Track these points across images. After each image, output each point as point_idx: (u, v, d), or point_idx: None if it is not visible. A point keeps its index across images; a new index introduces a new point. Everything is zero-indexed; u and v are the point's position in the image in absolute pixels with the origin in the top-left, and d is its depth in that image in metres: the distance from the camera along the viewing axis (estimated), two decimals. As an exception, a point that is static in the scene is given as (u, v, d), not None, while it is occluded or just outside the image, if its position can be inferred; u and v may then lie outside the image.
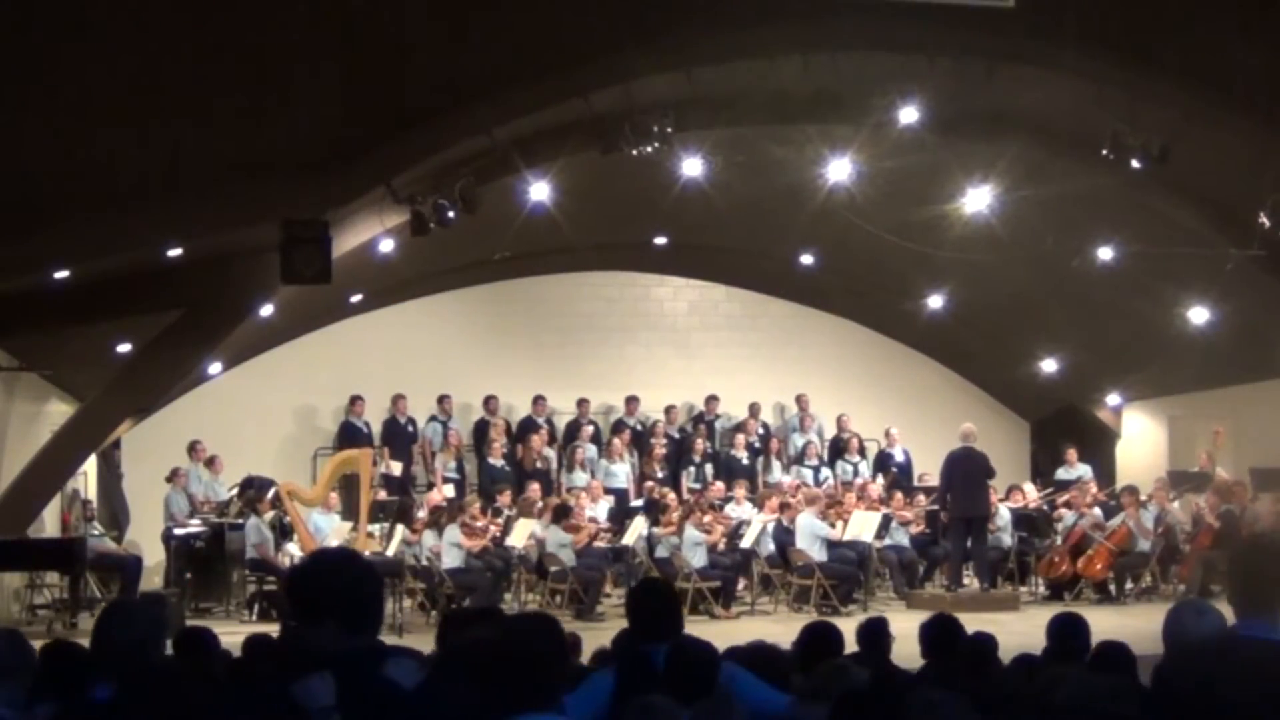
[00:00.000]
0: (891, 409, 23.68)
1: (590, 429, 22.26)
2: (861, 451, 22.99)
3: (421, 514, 18.86)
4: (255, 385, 21.60)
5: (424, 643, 8.82)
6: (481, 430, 22.14)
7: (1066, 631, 7.54)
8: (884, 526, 19.21)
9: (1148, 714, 4.66)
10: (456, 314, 23.03)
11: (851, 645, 7.71)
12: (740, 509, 19.96)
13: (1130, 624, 14.85)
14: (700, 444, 22.31)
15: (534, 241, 20.00)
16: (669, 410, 22.94)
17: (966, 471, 18.92)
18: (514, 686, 4.41)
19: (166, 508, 19.46)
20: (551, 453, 21.82)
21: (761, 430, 23.02)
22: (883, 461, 22.97)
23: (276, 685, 4.38)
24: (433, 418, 22.00)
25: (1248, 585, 4.88)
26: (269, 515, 18.55)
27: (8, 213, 13.74)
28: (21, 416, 18.18)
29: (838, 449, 23.09)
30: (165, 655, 5.68)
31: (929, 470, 22.09)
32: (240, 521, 18.74)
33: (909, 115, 16.22)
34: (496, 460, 21.22)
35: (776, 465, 22.58)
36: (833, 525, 19.07)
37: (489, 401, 22.28)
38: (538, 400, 22.44)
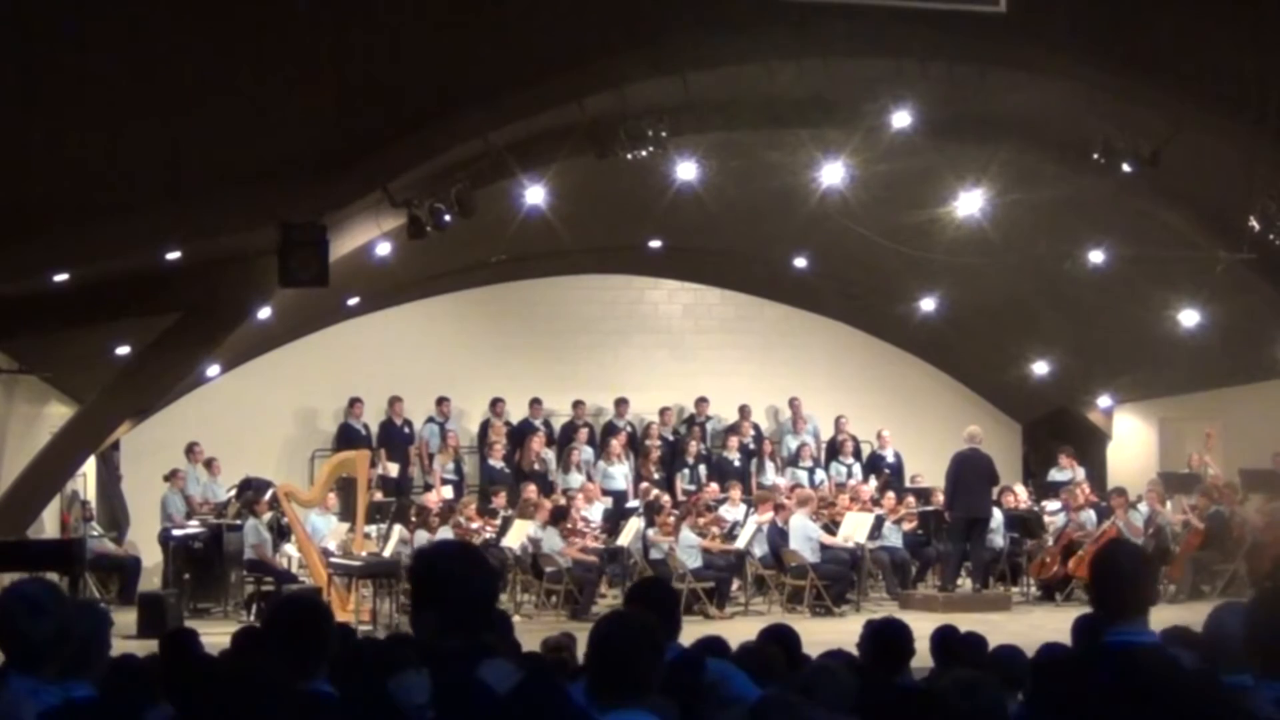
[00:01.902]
0: (884, 411, 23.77)
1: (586, 431, 22.33)
2: (857, 453, 23.07)
3: (414, 515, 18.94)
4: (253, 387, 21.65)
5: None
6: (485, 432, 22.23)
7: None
8: (876, 528, 19.31)
9: None
10: (453, 317, 23.10)
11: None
12: (734, 510, 20.06)
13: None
14: (694, 446, 22.40)
15: (529, 245, 20.08)
16: (663, 412, 23.03)
17: (972, 472, 19.03)
18: (610, 684, 4.45)
19: (164, 509, 19.56)
20: (550, 454, 21.90)
21: (754, 432, 23.11)
22: (874, 463, 23.04)
23: (374, 681, 4.41)
24: (430, 419, 22.09)
25: (1112, 588, 4.75)
26: (267, 516, 18.64)
27: (7, 217, 13.83)
28: (21, 418, 18.27)
29: (834, 450, 23.18)
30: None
31: (920, 472, 22.20)
32: (238, 523, 18.83)
33: (901, 120, 16.33)
34: (497, 462, 21.32)
35: (770, 467, 22.65)
36: (826, 527, 19.18)
37: (496, 404, 22.37)
38: (534, 402, 22.53)
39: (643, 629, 4.61)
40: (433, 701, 4.32)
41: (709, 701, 5.62)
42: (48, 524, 18.93)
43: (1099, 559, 4.90)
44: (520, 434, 22.10)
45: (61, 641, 4.83)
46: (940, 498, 19.89)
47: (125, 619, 16.05)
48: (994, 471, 19.25)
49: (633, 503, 20.95)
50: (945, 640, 7.89)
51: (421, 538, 17.88)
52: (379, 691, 4.38)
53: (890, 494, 20.89)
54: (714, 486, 21.01)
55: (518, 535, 18.38)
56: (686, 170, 16.95)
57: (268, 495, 18.93)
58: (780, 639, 7.48)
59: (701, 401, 23.35)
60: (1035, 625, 15.57)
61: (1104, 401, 23.85)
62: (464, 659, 4.42)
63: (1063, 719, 4.58)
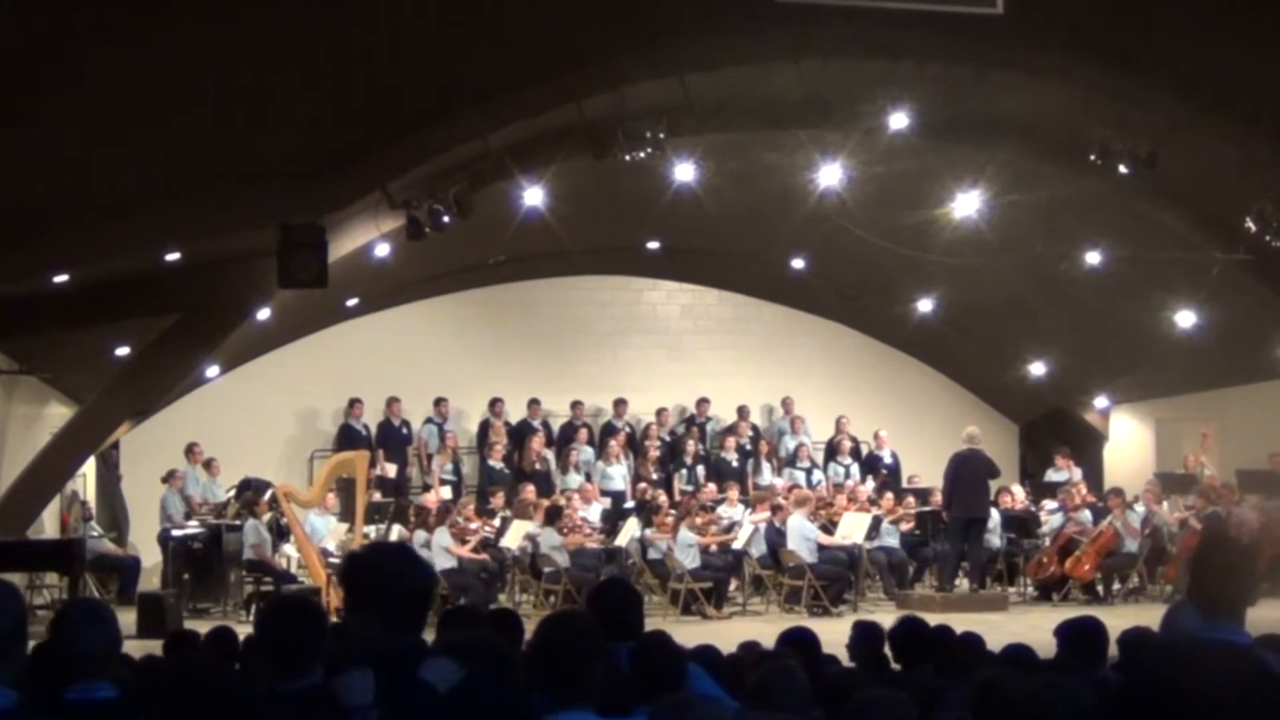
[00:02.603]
0: (882, 412, 23.80)
1: (584, 431, 22.38)
2: (855, 454, 23.10)
3: (413, 515, 18.99)
4: (252, 388, 21.69)
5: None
6: (484, 432, 22.27)
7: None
8: (874, 528, 19.35)
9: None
10: (452, 318, 23.14)
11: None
12: (732, 510, 20.11)
13: (1117, 624, 14.93)
14: (692, 446, 22.45)
15: (528, 246, 20.12)
16: (660, 413, 23.07)
17: (971, 473, 19.07)
18: (551, 684, 4.47)
19: (163, 509, 19.60)
20: (551, 455, 21.94)
21: (752, 433, 23.15)
22: (871, 463, 23.08)
23: (317, 681, 4.43)
24: (429, 420, 22.13)
25: (1215, 587, 4.73)
26: (266, 517, 18.67)
27: (8, 218, 13.87)
28: (21, 419, 18.31)
29: (832, 451, 23.22)
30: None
31: (918, 472, 22.23)
32: (238, 523, 18.87)
33: (899, 121, 16.36)
34: (496, 462, 21.37)
35: (766, 467, 22.69)
36: (824, 527, 19.22)
37: (495, 404, 22.42)
38: (532, 403, 22.58)
39: (582, 629, 4.64)
40: (377, 701, 4.35)
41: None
42: (48, 524, 18.97)
43: (1201, 555, 4.95)
44: (519, 434, 22.14)
45: (14, 642, 4.87)
46: (939, 498, 19.93)
47: (125, 619, 16.05)
48: (994, 467, 19.35)
49: (631, 503, 21.01)
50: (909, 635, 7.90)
51: (420, 538, 17.96)
52: (324, 691, 4.41)
53: (889, 495, 20.93)
54: (711, 487, 21.06)
55: (516, 535, 18.44)
56: (685, 171, 16.98)
57: (267, 495, 18.97)
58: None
59: (702, 402, 23.39)
60: (1032, 625, 15.59)
61: (1101, 402, 23.90)
62: (406, 659, 4.44)
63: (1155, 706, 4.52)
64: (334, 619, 5.93)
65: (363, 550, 4.97)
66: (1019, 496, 20.94)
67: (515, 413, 22.65)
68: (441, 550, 17.80)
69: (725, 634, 13.18)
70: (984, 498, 19.24)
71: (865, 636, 8.00)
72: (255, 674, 5.43)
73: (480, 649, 4.84)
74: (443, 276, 21.78)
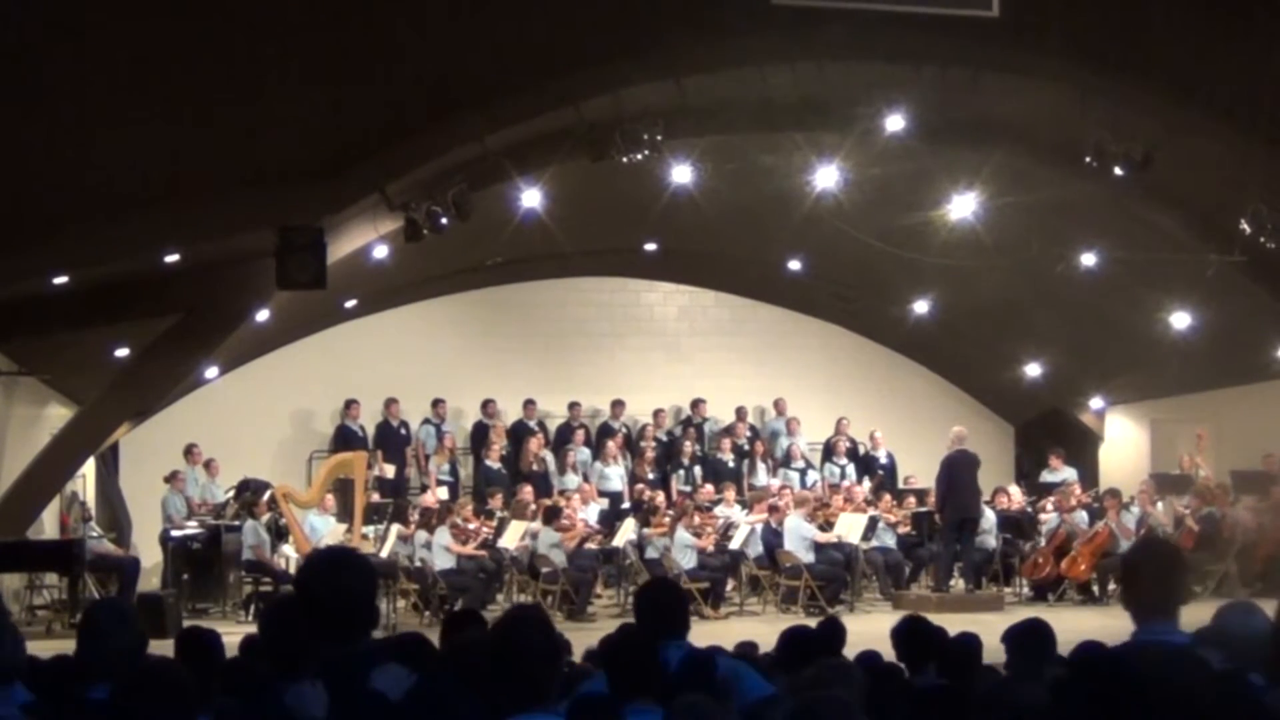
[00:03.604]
0: (878, 413, 23.84)
1: (582, 432, 22.42)
2: (852, 455, 23.14)
3: (414, 515, 19.04)
4: (251, 389, 21.73)
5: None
6: (479, 433, 22.32)
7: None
8: (870, 528, 19.40)
9: None
10: (450, 319, 23.19)
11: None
12: (728, 511, 20.16)
13: (1113, 624, 14.92)
14: (689, 447, 22.50)
15: (526, 247, 20.15)
16: (657, 414, 23.12)
17: (965, 474, 19.13)
18: (505, 686, 4.35)
19: (164, 510, 19.66)
20: (549, 455, 21.99)
21: (750, 433, 23.19)
22: (867, 464, 23.12)
23: (270, 691, 4.42)
24: (426, 421, 22.18)
25: (1149, 590, 4.75)
26: (265, 517, 18.73)
27: (8, 220, 13.92)
28: (21, 420, 18.35)
29: (829, 451, 23.26)
30: (164, 656, 5.57)
31: (914, 473, 22.28)
32: (237, 523, 18.94)
33: (895, 123, 16.40)
34: (494, 463, 21.41)
35: (761, 468, 22.74)
36: (820, 528, 19.28)
37: (487, 405, 22.48)
38: (528, 403, 22.62)
39: (538, 628, 4.50)
40: (328, 712, 4.31)
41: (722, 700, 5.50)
42: (47, 525, 19.00)
43: (1132, 558, 4.94)
44: (516, 435, 22.19)
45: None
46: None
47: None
48: (978, 459, 19.40)
49: (628, 504, 21.05)
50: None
51: (421, 538, 18.04)
52: (276, 703, 4.40)
53: (886, 495, 20.99)
54: (709, 488, 21.11)
55: (514, 536, 18.49)
56: (682, 173, 17.02)
57: (266, 496, 19.03)
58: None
59: (699, 403, 23.44)
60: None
61: (1096, 403, 23.95)
62: (357, 667, 4.38)
63: (1093, 716, 4.58)
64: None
65: (304, 562, 4.92)
66: (1015, 497, 20.99)
67: (512, 413, 22.69)
68: (442, 550, 17.88)
69: (722, 634, 13.24)
70: (976, 498, 19.30)
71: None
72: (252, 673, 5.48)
73: (430, 653, 4.81)
74: (441, 278, 21.81)
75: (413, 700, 4.18)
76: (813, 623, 8.68)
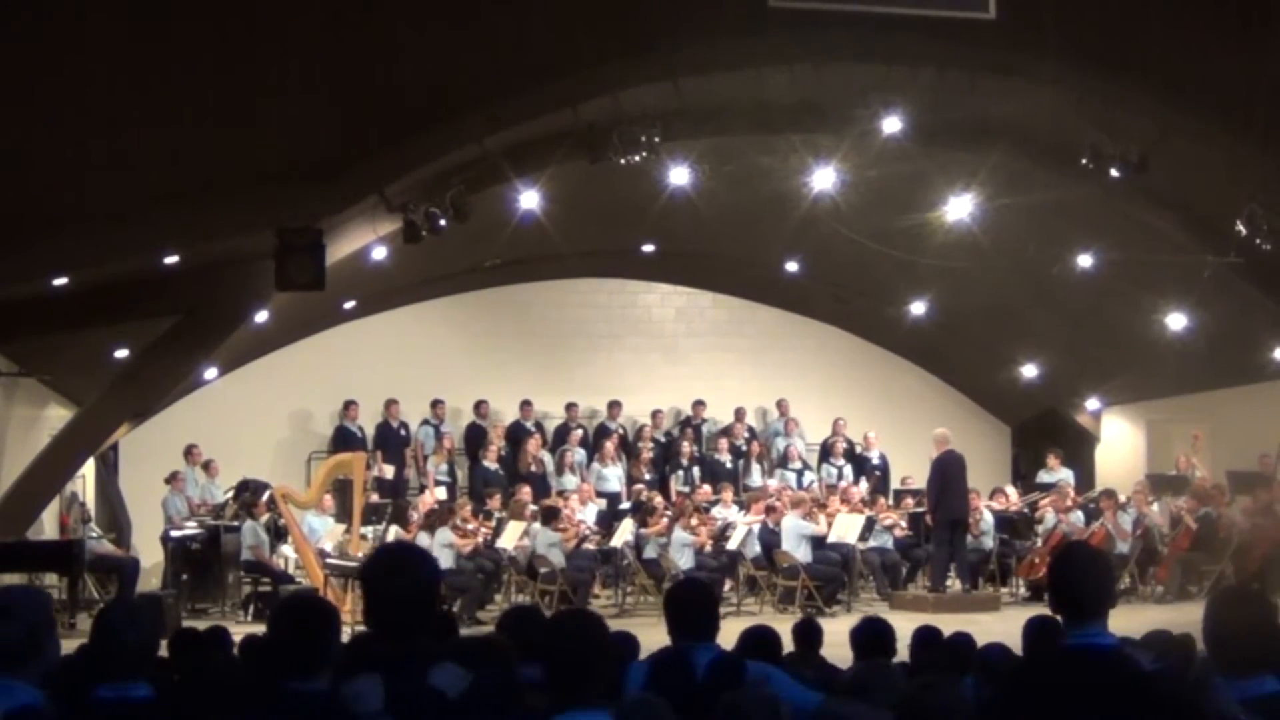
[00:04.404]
0: (875, 414, 23.89)
1: (579, 433, 22.46)
2: (849, 455, 23.17)
3: (415, 515, 19.07)
4: (250, 390, 21.76)
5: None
6: (473, 434, 22.35)
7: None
8: (867, 529, 19.44)
9: None
10: (448, 320, 23.23)
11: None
12: (726, 511, 20.20)
13: (1112, 624, 15.09)
14: (687, 447, 22.54)
15: (524, 249, 20.20)
16: (655, 414, 23.17)
17: (958, 474, 19.16)
18: (560, 684, 4.44)
19: (164, 510, 19.70)
20: (547, 456, 22.02)
21: (748, 434, 23.23)
22: (862, 465, 23.18)
23: (328, 687, 4.42)
24: (425, 421, 22.22)
25: (1076, 592, 4.74)
26: (264, 518, 18.78)
27: (8, 221, 13.94)
28: (20, 421, 18.39)
29: (826, 452, 23.30)
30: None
31: (910, 474, 22.31)
32: (236, 524, 18.97)
33: (892, 125, 16.43)
34: (491, 464, 21.45)
35: (756, 469, 22.78)
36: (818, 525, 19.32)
37: (480, 406, 22.52)
38: (525, 404, 22.65)
39: (591, 629, 4.60)
40: (387, 707, 4.36)
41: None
42: (47, 525, 19.04)
43: (1056, 562, 4.90)
44: (513, 436, 22.22)
45: (36, 646, 4.95)
46: (931, 499, 20.01)
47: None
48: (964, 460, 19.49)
49: (626, 504, 21.10)
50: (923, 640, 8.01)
51: (422, 540, 18.06)
52: (334, 697, 4.41)
53: (883, 496, 21.02)
54: (706, 488, 21.15)
55: (512, 536, 18.53)
56: (679, 175, 17.05)
57: (265, 497, 19.07)
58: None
59: (698, 404, 23.49)
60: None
61: (1092, 404, 24.01)
62: (416, 664, 4.44)
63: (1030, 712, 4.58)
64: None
65: (371, 559, 4.96)
66: (1012, 498, 21.03)
67: (510, 414, 22.73)
68: (442, 549, 17.90)
69: (720, 634, 13.25)
70: (965, 499, 19.33)
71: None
72: (261, 673, 5.47)
73: (488, 653, 4.88)
74: (439, 279, 21.84)
75: (470, 699, 4.28)
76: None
